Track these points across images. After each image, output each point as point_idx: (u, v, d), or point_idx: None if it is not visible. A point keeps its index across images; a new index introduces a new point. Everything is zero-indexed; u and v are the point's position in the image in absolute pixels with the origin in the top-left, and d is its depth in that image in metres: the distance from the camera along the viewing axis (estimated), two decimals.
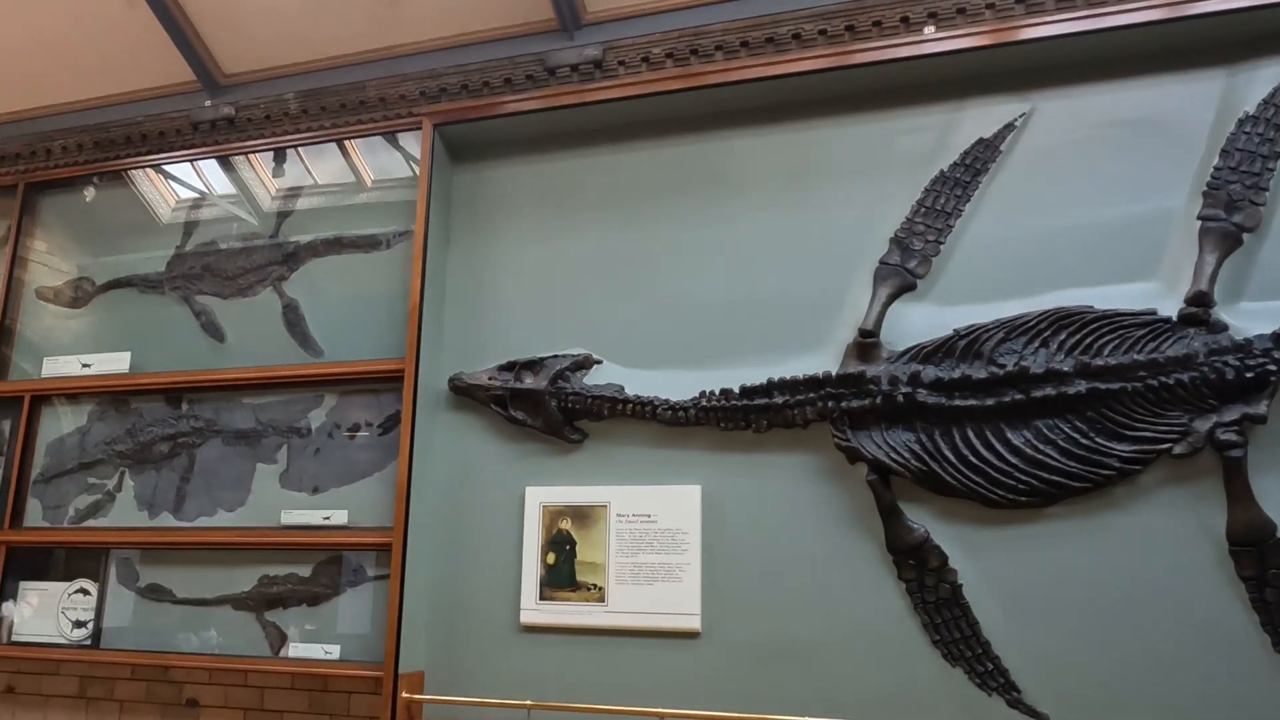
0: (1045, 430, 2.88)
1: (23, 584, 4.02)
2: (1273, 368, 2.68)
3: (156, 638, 3.77)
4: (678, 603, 3.17)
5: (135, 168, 4.28)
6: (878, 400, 3.02)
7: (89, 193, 4.41)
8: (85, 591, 3.90)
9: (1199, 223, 2.91)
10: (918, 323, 3.11)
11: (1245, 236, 2.86)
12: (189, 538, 3.77)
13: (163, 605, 3.80)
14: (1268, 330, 2.73)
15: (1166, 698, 2.72)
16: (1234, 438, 2.70)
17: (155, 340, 4.08)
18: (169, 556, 3.84)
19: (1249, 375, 2.70)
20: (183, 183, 4.28)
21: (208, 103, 4.18)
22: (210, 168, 4.21)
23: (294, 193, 4.06)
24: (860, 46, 3.27)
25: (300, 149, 4.06)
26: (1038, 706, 2.83)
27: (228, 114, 4.11)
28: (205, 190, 4.22)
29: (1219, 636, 2.72)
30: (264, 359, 3.85)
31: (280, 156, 4.10)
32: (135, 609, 3.85)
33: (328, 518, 3.62)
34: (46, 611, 3.95)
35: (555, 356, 3.47)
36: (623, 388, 3.36)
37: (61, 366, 4.17)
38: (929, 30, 3.21)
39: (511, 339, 3.58)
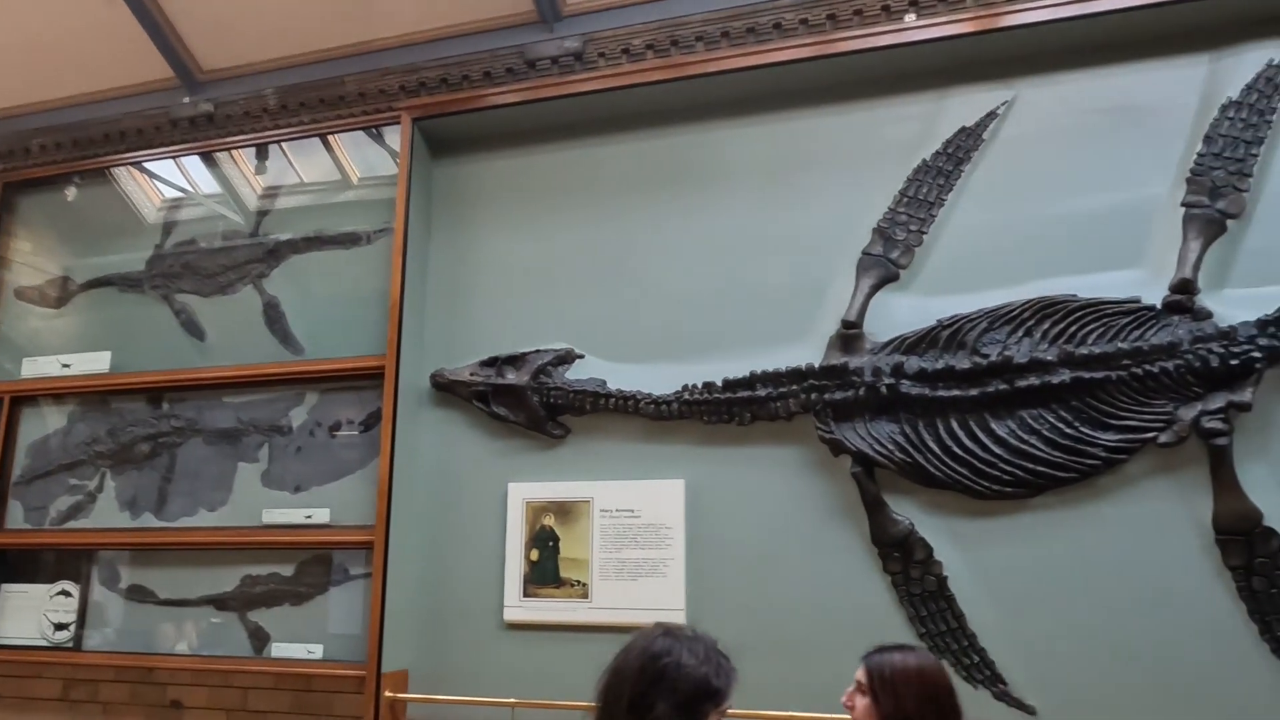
0: (1030, 420, 2.85)
1: (5, 586, 3.99)
2: (1257, 355, 2.66)
3: (140, 639, 3.75)
4: (662, 598, 3.14)
5: (115, 165, 4.25)
6: (861, 392, 3.00)
7: (70, 192, 4.37)
8: (67, 593, 3.87)
9: (1183, 209, 2.89)
10: (901, 313, 3.08)
11: (1229, 223, 2.84)
12: (171, 538, 3.74)
13: (145, 606, 3.77)
14: (1252, 317, 2.72)
15: (1153, 688, 2.69)
16: (1219, 426, 2.68)
17: (136, 339, 4.05)
18: (151, 557, 3.81)
19: (1233, 362, 2.67)
20: (167, 181, 4.24)
21: (186, 100, 4.15)
22: (195, 166, 4.17)
23: (279, 190, 4.03)
24: (842, 35, 3.24)
25: (285, 147, 4.02)
26: (1025, 699, 2.81)
27: (207, 110, 4.07)
28: (189, 189, 4.19)
29: (1206, 626, 2.69)
30: (245, 357, 3.82)
31: (263, 153, 4.07)
32: (119, 610, 3.82)
33: (309, 516, 3.59)
34: (29, 614, 3.91)
35: (537, 351, 3.44)
36: (605, 382, 3.33)
37: (42, 367, 4.14)
38: (910, 18, 3.18)
39: (493, 334, 3.55)
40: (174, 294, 4.02)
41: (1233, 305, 2.77)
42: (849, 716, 2.08)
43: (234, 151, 4.09)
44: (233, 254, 3.98)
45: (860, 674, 2.05)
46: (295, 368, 3.72)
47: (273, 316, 3.85)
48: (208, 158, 4.13)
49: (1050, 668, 2.81)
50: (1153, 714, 2.66)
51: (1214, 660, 2.68)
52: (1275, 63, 2.90)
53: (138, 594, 3.79)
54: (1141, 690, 2.70)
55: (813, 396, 3.06)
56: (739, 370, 3.15)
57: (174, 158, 4.16)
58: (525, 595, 3.29)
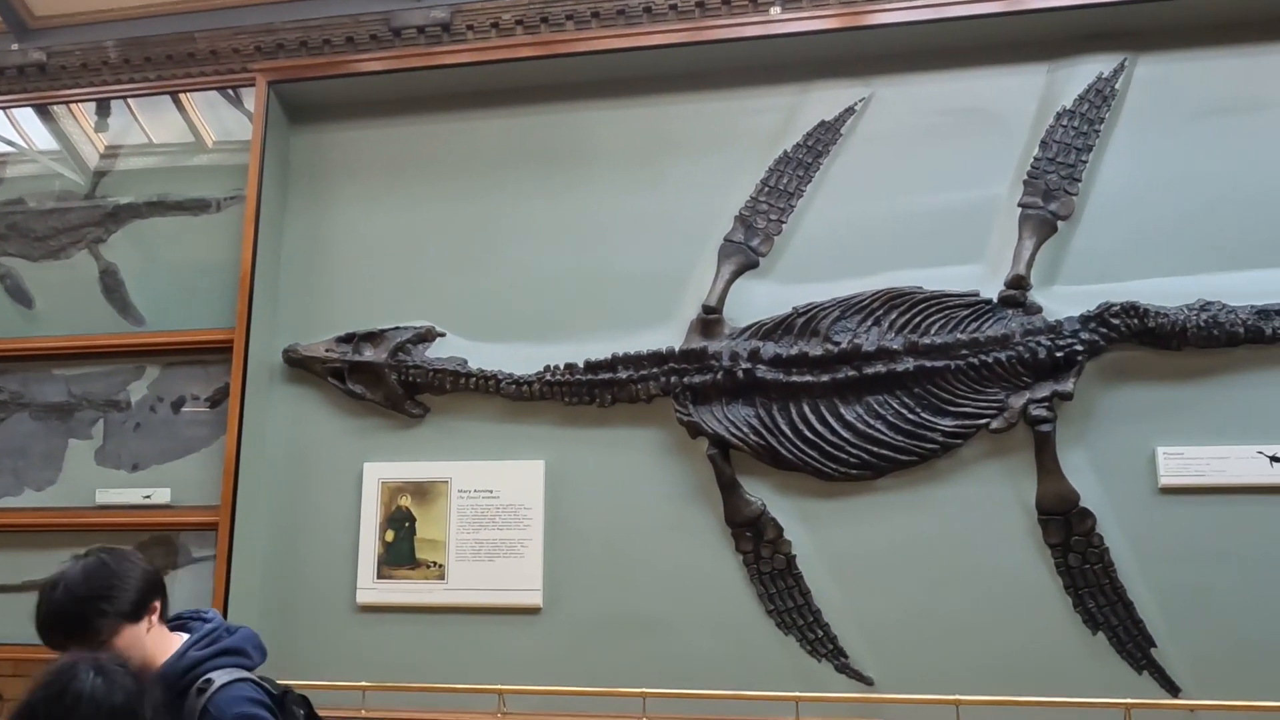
0: (876, 406, 2.98)
1: None
2: (1080, 348, 2.86)
3: None
4: (519, 579, 3.14)
5: None
6: (719, 376, 3.06)
7: None
8: None
9: (1020, 210, 3.06)
10: (759, 300, 3.16)
11: (1060, 224, 3.03)
12: None
13: None
14: (1076, 313, 2.92)
15: (979, 657, 2.87)
16: (1044, 413, 2.87)
17: None
18: None
19: (1059, 355, 2.87)
20: None
21: (15, 47, 3.82)
22: (28, 120, 3.85)
23: (121, 150, 3.77)
24: (710, 23, 3.27)
25: (132, 104, 3.76)
26: (864, 670, 2.95)
27: (38, 60, 3.77)
28: (20, 143, 3.87)
29: (1028, 600, 2.89)
30: (77, 327, 3.58)
31: (104, 109, 3.80)
32: None
33: (148, 496, 3.40)
34: None
35: (396, 328, 3.36)
36: (466, 361, 3.29)
37: None
38: (775, 11, 3.25)
39: (351, 309, 3.44)
40: None
41: (1060, 301, 2.97)
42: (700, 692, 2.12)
43: (73, 106, 3.81)
44: (66, 216, 3.70)
45: None
46: (134, 339, 3.50)
47: (110, 284, 3.61)
48: (43, 111, 3.82)
49: (888, 640, 2.96)
50: (979, 682, 2.83)
51: (1034, 632, 2.87)
52: (1104, 75, 3.11)
53: None
54: (970, 660, 2.87)
55: (672, 379, 3.10)
56: (600, 352, 3.17)
57: (3, 109, 3.84)
58: (379, 577, 3.23)
